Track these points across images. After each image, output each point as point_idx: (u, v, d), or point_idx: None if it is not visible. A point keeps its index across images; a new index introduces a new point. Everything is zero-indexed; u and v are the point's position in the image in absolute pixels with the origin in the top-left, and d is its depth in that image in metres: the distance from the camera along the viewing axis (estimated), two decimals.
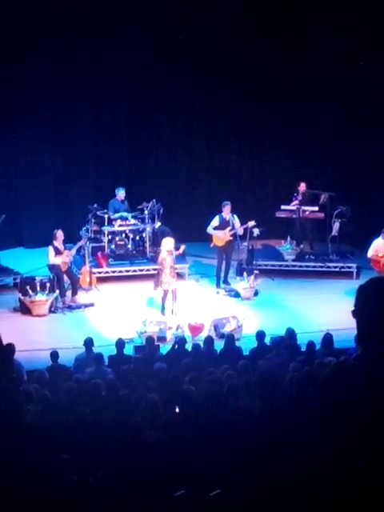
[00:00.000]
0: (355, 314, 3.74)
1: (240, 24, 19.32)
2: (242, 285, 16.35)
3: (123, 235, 17.79)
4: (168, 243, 15.31)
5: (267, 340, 12.24)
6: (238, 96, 19.94)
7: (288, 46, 19.50)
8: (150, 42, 19.14)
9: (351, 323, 4.86)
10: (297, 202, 17.95)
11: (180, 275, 16.29)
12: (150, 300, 15.99)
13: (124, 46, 19.26)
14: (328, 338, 11.74)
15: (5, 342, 11.63)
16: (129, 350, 12.42)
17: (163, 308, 15.24)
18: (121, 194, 18.10)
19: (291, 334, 12.20)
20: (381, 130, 18.68)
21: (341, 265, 17.54)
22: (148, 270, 17.33)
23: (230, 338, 12.39)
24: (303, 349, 11.81)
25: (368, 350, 3.69)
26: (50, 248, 15.95)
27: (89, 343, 12.03)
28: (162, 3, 19.04)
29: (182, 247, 15.67)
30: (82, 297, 16.22)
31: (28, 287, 15.46)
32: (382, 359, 3.58)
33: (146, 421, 7.96)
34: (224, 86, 19.75)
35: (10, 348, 11.31)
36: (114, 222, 17.81)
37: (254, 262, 17.12)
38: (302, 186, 18.06)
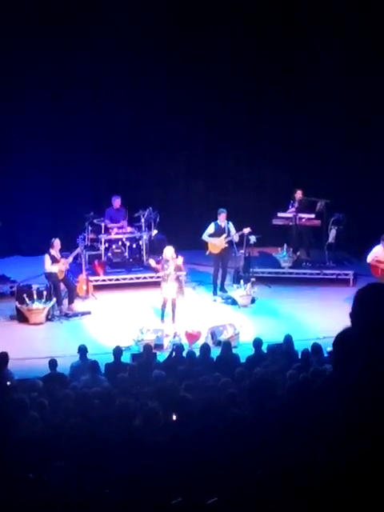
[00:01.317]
0: (352, 317, 3.73)
1: (240, 30, 19.36)
2: (239, 292, 16.35)
3: (120, 243, 17.82)
4: (168, 252, 15.32)
5: (264, 347, 12.25)
6: (235, 104, 19.98)
7: (287, 53, 19.52)
8: (147, 50, 19.18)
9: None
10: (293, 209, 17.96)
11: None
12: (148, 308, 15.98)
13: (121, 52, 19.29)
14: (316, 348, 11.71)
15: (0, 351, 11.62)
16: (126, 358, 12.42)
17: (162, 316, 15.23)
18: (116, 201, 18.12)
19: (289, 340, 12.20)
20: (378, 137, 18.70)
21: (337, 272, 17.56)
22: (145, 277, 17.35)
23: (226, 346, 12.39)
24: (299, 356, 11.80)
25: (363, 356, 3.69)
26: (47, 256, 15.95)
27: (83, 350, 12.04)
28: (160, 8, 19.09)
29: (181, 259, 15.67)
30: (78, 305, 16.20)
31: (25, 295, 15.44)
32: (378, 366, 3.59)
33: (144, 428, 7.96)
34: (221, 93, 19.78)
35: (3, 357, 11.32)
36: (110, 230, 17.83)
37: (251, 270, 17.13)
38: (299, 194, 18.06)
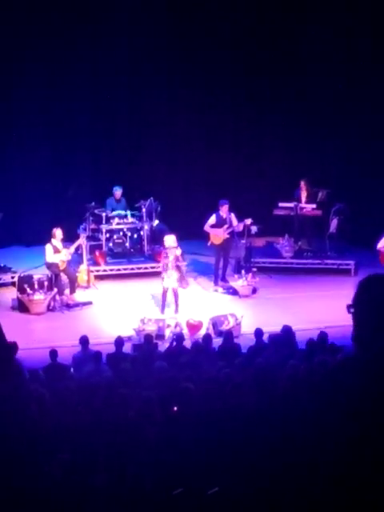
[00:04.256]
0: (351, 308, 3.70)
1: (238, 23, 19.34)
2: (240, 282, 16.35)
3: (121, 233, 17.81)
4: (170, 240, 15.34)
5: (265, 337, 12.25)
6: (235, 93, 19.95)
7: (286, 43, 19.46)
8: (148, 41, 19.15)
9: (349, 320, 4.86)
10: (302, 201, 17.89)
11: None
12: (149, 298, 15.98)
13: (122, 44, 19.27)
14: (323, 337, 11.74)
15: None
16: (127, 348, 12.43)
17: (163, 306, 15.24)
18: (118, 192, 18.11)
19: (287, 331, 12.20)
20: (380, 126, 18.66)
21: (338, 262, 17.55)
22: (146, 267, 17.36)
23: (228, 335, 12.40)
24: (301, 346, 11.80)
25: (366, 348, 3.68)
26: (48, 246, 15.94)
27: (84, 341, 12.03)
28: (161, 2, 19.09)
29: (179, 250, 15.69)
30: (80, 295, 16.21)
31: (26, 285, 15.45)
32: (380, 358, 3.58)
33: (142, 418, 7.96)
34: (221, 84, 19.75)
35: (12, 347, 11.32)
36: (111, 220, 17.81)
37: (252, 260, 17.13)
38: (302, 184, 18.02)
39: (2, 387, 9.03)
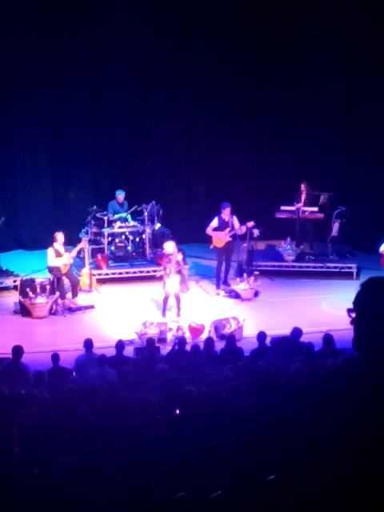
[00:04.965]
0: (351, 313, 3.70)
1: (239, 24, 19.35)
2: (242, 286, 16.35)
3: (123, 237, 17.82)
4: (169, 246, 15.33)
5: (268, 340, 12.23)
6: (237, 97, 19.97)
7: (288, 44, 19.51)
8: (148, 43, 19.17)
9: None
10: (300, 204, 17.90)
11: None
12: (151, 301, 15.98)
13: (123, 46, 19.30)
14: (328, 339, 11.74)
15: (10, 345, 11.64)
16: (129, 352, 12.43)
17: (164, 310, 15.23)
18: (120, 196, 18.12)
19: (296, 333, 12.15)
20: (382, 129, 18.67)
21: (341, 265, 17.55)
22: (148, 271, 17.36)
23: (231, 339, 12.39)
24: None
25: (366, 352, 3.68)
26: (50, 250, 15.95)
27: (89, 344, 12.03)
28: (160, 2, 19.11)
29: (180, 255, 15.68)
30: (82, 299, 16.21)
31: (28, 289, 15.46)
32: (380, 361, 3.58)
33: (144, 422, 7.96)
34: (223, 87, 19.78)
35: (17, 350, 11.34)
36: (113, 224, 17.83)
37: (254, 263, 17.14)
38: (303, 187, 18.04)
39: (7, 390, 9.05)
